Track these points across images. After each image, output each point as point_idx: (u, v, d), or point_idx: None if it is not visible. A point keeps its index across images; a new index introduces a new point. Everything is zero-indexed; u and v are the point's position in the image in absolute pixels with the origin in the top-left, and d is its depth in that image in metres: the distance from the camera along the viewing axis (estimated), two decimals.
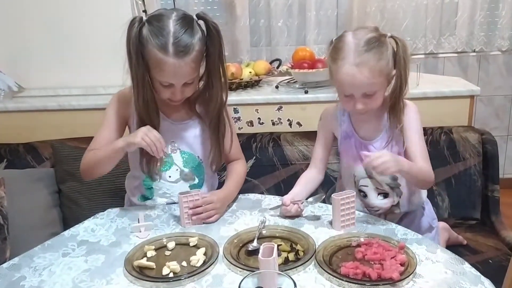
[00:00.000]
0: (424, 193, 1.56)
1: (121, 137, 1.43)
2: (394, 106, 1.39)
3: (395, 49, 1.33)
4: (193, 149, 1.51)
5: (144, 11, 2.28)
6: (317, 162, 1.54)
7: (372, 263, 1.09)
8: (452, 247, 1.75)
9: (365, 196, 1.49)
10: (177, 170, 1.50)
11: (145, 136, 1.31)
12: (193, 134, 1.51)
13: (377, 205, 1.48)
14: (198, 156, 1.52)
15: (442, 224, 1.76)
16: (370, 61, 1.30)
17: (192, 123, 1.51)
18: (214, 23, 1.36)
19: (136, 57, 1.31)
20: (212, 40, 1.36)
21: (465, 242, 1.80)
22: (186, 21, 1.32)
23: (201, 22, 1.36)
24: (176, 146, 1.50)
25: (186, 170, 1.51)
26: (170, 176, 1.50)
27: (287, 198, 1.36)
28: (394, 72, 1.36)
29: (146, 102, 1.38)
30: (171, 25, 1.30)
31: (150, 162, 1.45)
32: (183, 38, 1.30)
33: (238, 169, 1.58)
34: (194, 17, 1.35)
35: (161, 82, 1.35)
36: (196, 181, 1.52)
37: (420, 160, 1.39)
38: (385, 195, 1.48)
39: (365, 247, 1.15)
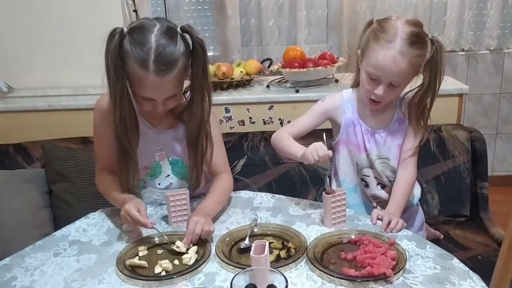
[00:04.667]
0: (417, 189, 1.58)
1: (129, 201, 1.30)
2: (424, 109, 1.43)
3: (433, 51, 1.33)
4: (181, 156, 1.48)
5: (135, 10, 2.29)
6: (295, 132, 1.48)
7: (360, 265, 1.10)
8: (442, 243, 1.77)
9: (367, 185, 1.52)
10: (166, 177, 1.49)
11: (126, 220, 1.26)
12: (180, 141, 1.46)
13: (377, 195, 1.51)
14: (187, 163, 1.47)
15: None
16: (412, 54, 1.31)
17: (178, 130, 1.46)
18: (199, 38, 1.29)
19: (115, 71, 1.25)
20: (196, 57, 1.30)
21: (441, 236, 1.83)
22: (169, 35, 1.25)
23: (186, 35, 1.29)
24: (164, 154, 1.47)
25: (176, 177, 1.49)
26: (159, 184, 1.48)
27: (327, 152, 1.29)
28: (421, 73, 1.38)
29: (124, 119, 1.32)
30: (153, 40, 1.23)
31: (128, 179, 1.41)
32: (165, 56, 1.23)
33: (219, 184, 1.47)
34: (179, 30, 1.29)
35: (142, 96, 1.30)
36: (186, 185, 1.50)
37: (411, 165, 1.48)
38: (383, 186, 1.51)
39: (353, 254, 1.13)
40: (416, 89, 1.42)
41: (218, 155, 1.49)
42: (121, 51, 1.25)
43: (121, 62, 1.25)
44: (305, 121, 1.51)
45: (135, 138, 1.38)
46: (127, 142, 1.35)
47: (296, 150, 1.39)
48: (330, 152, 1.29)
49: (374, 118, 1.48)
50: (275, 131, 2.07)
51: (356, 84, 1.50)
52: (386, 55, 1.30)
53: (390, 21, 1.35)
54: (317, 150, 1.29)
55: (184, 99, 1.42)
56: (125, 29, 1.26)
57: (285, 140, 1.46)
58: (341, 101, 1.50)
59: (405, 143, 1.48)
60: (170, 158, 1.48)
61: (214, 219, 1.37)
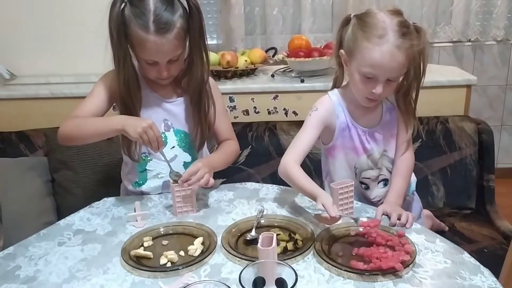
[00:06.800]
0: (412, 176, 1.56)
1: (121, 116, 1.40)
2: (410, 98, 1.39)
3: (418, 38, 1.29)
4: (185, 127, 1.51)
5: None
6: (301, 154, 1.36)
7: (368, 259, 1.08)
8: (447, 236, 1.76)
9: (367, 188, 1.48)
10: (171, 148, 1.50)
11: (144, 134, 1.27)
12: (184, 112, 1.51)
13: (378, 195, 1.47)
14: (191, 134, 1.52)
15: (426, 212, 1.77)
16: (407, 45, 1.25)
17: (181, 100, 1.51)
18: (195, 0, 1.36)
19: (118, 36, 1.33)
20: (193, 18, 1.36)
21: (446, 228, 1.81)
22: None
23: (183, 0, 1.36)
24: (170, 124, 1.50)
25: (181, 149, 1.51)
26: None
27: (335, 210, 1.16)
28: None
29: (127, 81, 1.39)
30: (152, 3, 1.31)
31: (130, 146, 1.45)
32: (163, 16, 1.31)
33: (226, 145, 1.58)
34: None
35: (146, 60, 1.37)
36: (190, 159, 1.52)
37: (408, 151, 1.45)
38: (385, 183, 1.48)
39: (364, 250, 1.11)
40: (401, 78, 1.35)
41: (224, 124, 1.59)
42: (124, 18, 1.33)
43: (123, 27, 1.33)
44: (307, 138, 1.38)
45: (138, 99, 1.44)
46: (130, 102, 1.41)
47: (311, 194, 1.27)
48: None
49: (367, 116, 1.42)
50: (279, 121, 2.08)
51: (339, 85, 1.45)
52: (383, 51, 1.24)
53: (374, 15, 1.28)
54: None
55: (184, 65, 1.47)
56: None
57: (295, 178, 1.32)
58: (332, 104, 1.41)
59: (399, 137, 1.44)
60: (176, 129, 1.51)
61: (220, 210, 1.36)
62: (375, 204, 1.46)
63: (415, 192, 1.62)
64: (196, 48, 1.41)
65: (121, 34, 1.33)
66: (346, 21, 1.35)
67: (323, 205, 1.17)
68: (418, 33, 1.28)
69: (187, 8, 1.36)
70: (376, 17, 1.27)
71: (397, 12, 1.28)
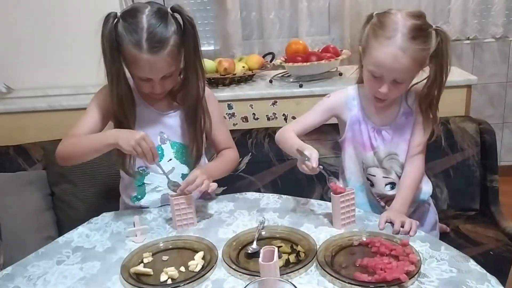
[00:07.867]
0: (427, 185, 1.54)
1: (113, 130, 1.38)
2: (431, 101, 1.38)
3: (438, 43, 1.28)
4: (181, 138, 1.50)
5: None
6: (300, 127, 1.44)
7: (372, 270, 1.06)
8: (452, 239, 1.74)
9: (372, 185, 1.48)
10: (168, 161, 1.48)
11: (137, 146, 1.25)
12: (180, 124, 1.49)
13: (385, 194, 1.47)
14: (188, 146, 1.50)
15: None
16: (415, 49, 1.25)
17: (175, 113, 1.49)
18: (189, 17, 1.34)
19: (111, 53, 1.31)
20: (187, 34, 1.35)
21: (448, 229, 1.79)
22: (160, 15, 1.31)
23: (177, 15, 1.35)
24: (166, 137, 1.48)
25: (178, 161, 1.49)
26: None
27: (316, 161, 1.24)
28: (427, 65, 1.33)
29: (120, 98, 1.37)
30: (145, 20, 1.29)
31: (124, 160, 1.43)
32: (157, 34, 1.29)
33: (225, 153, 1.56)
34: (169, 10, 1.34)
35: (139, 76, 1.35)
36: (187, 170, 1.50)
37: (419, 161, 1.43)
38: (392, 186, 1.46)
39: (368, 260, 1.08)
40: (424, 81, 1.37)
41: (222, 133, 1.57)
42: (116, 34, 1.31)
43: (116, 44, 1.31)
44: (310, 119, 1.47)
45: (132, 115, 1.42)
46: (124, 119, 1.39)
47: (300, 147, 1.31)
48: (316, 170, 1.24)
49: (379, 114, 1.44)
50: (279, 127, 2.05)
51: (360, 80, 1.46)
52: (386, 52, 1.26)
53: (390, 15, 1.29)
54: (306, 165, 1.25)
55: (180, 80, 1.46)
56: (119, 14, 1.33)
57: (288, 138, 1.40)
58: (346, 97, 1.46)
59: (414, 138, 1.43)
60: (172, 142, 1.49)
61: (220, 222, 1.34)
62: (382, 199, 1.48)
63: (431, 203, 1.59)
64: (190, 65, 1.39)
65: (114, 51, 1.31)
66: (369, 18, 1.36)
67: (309, 156, 1.23)
68: (437, 37, 1.28)
69: (181, 23, 1.34)
70: (391, 17, 1.28)
71: (416, 15, 1.28)
